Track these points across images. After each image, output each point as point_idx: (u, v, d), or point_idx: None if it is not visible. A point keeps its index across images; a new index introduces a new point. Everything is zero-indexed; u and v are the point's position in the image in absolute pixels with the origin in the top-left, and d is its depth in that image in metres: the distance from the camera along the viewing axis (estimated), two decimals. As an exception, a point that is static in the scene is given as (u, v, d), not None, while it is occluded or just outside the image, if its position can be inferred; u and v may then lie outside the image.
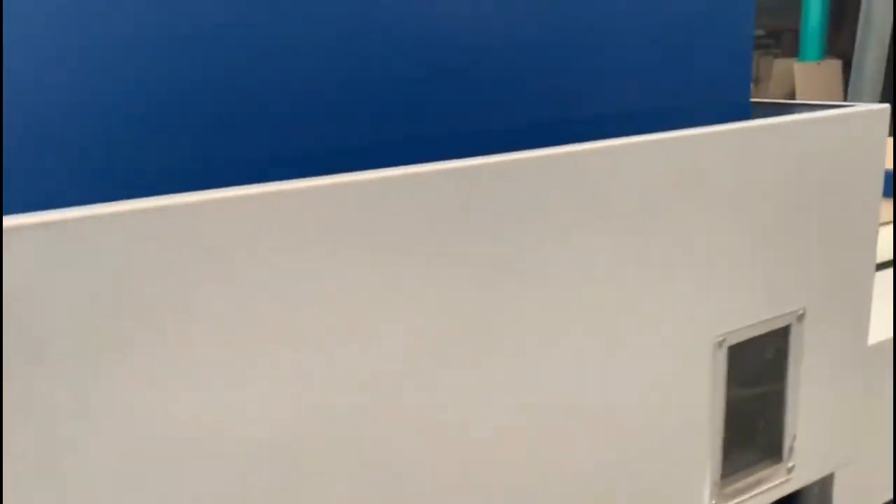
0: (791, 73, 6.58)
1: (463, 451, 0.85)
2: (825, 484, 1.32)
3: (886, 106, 1.13)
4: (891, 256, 1.84)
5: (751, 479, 1.13)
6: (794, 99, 6.28)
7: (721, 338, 1.03)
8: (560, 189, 0.86)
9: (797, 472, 1.17)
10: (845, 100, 5.09)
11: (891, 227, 2.03)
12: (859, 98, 1.20)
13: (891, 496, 1.54)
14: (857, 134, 1.11)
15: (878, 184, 1.15)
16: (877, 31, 1.15)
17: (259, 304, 0.70)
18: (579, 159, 0.88)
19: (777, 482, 1.15)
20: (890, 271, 1.82)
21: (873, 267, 1.19)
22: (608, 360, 0.94)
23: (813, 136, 1.07)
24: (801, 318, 1.12)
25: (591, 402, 0.94)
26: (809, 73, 6.22)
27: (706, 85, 1.14)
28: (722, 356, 1.04)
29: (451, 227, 0.80)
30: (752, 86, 1.19)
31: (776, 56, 7.34)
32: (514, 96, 0.97)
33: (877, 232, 1.17)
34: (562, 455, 0.93)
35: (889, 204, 2.07)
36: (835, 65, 6.48)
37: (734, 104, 1.15)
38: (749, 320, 1.06)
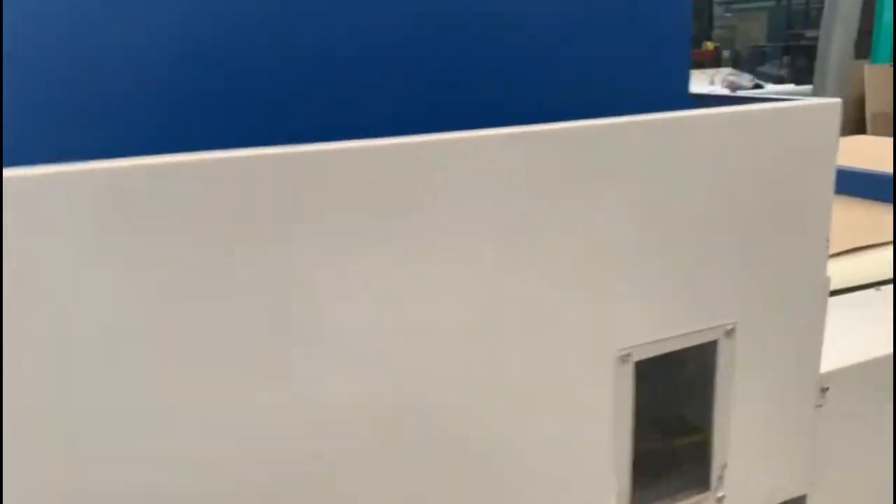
0: (862, 76, 6.25)
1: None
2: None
3: (837, 101, 1.01)
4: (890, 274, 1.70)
5: (672, 509, 1.02)
6: (863, 102, 5.97)
7: (625, 352, 0.93)
8: (413, 182, 0.78)
9: (730, 504, 1.06)
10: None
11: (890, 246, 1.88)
12: (822, 90, 1.06)
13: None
14: (803, 130, 1.00)
15: (829, 186, 1.03)
16: (843, 18, 1.02)
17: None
18: (443, 149, 0.79)
19: (704, 513, 1.05)
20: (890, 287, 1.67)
21: (825, 280, 1.07)
22: (482, 374, 0.86)
23: (743, 131, 0.96)
24: (730, 333, 1.01)
25: (463, 429, 0.86)
26: (881, 74, 5.89)
27: (637, 76, 1.04)
28: (627, 372, 0.94)
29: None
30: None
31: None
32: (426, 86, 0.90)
33: (828, 240, 1.05)
34: (437, 488, 0.85)
35: (888, 211, 1.91)
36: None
37: (669, 97, 1.04)
38: (660, 334, 0.95)
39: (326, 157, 0.74)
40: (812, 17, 11.07)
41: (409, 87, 0.90)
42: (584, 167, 0.86)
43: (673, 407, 1.02)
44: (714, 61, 9.33)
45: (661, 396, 0.99)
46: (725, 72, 8.62)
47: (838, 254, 1.87)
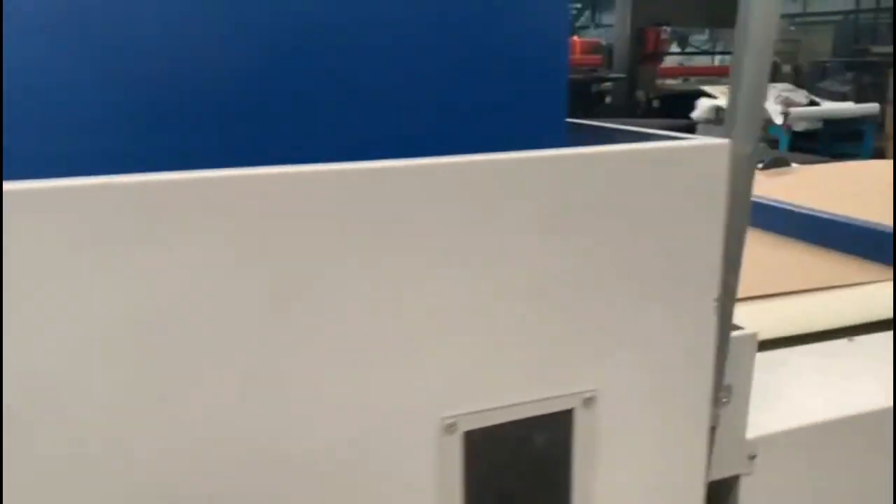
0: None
1: None
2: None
3: (724, 141, 0.88)
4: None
5: None
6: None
7: (450, 420, 0.82)
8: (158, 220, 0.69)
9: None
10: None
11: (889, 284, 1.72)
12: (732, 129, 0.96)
13: None
14: (682, 174, 0.87)
15: (715, 236, 0.90)
16: (755, 44, 0.91)
17: None
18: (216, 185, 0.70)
19: None
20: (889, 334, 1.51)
21: (711, 337, 0.94)
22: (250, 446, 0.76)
23: (598, 174, 0.84)
24: (589, 402, 0.89)
25: None
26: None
27: (507, 112, 0.92)
28: (454, 443, 0.83)
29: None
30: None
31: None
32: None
33: (714, 292, 0.92)
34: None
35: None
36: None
37: (540, 133, 0.93)
38: (494, 402, 0.84)
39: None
40: (880, 32, 10.64)
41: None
42: (394, 211, 0.76)
43: (524, 486, 0.90)
44: (770, 76, 9.01)
45: (507, 473, 0.88)
46: (780, 87, 8.32)
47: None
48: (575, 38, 10.68)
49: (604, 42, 9.84)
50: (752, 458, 1.22)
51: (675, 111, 8.16)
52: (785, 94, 7.99)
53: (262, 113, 0.79)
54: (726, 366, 1.13)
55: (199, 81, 0.77)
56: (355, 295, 0.76)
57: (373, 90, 0.84)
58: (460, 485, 0.84)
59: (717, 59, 12.78)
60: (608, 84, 9.16)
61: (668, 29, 9.07)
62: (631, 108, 8.81)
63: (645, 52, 8.94)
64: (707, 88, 8.26)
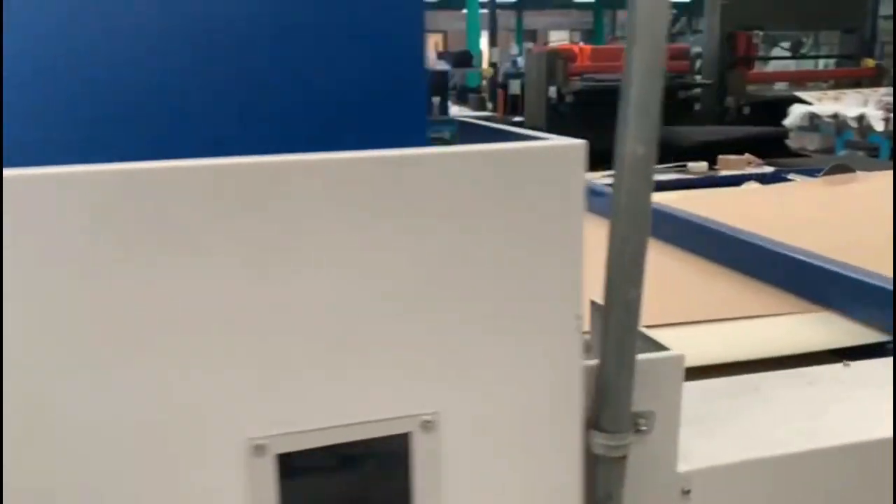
0: None
1: None
2: None
3: (580, 142, 0.79)
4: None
5: None
6: None
7: (260, 441, 0.76)
8: None
9: None
10: None
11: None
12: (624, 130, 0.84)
13: None
14: (532, 177, 0.79)
15: (573, 241, 0.81)
16: (644, 39, 0.79)
17: None
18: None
19: None
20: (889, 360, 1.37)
21: (575, 357, 0.85)
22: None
23: (436, 175, 0.76)
24: (428, 426, 0.81)
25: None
26: None
27: (366, 112, 0.87)
28: (265, 466, 0.77)
29: None
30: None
31: None
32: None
33: (574, 308, 0.83)
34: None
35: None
36: None
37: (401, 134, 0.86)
38: (311, 423, 0.77)
39: None
40: None
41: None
42: (177, 217, 0.71)
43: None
44: (874, 80, 8.48)
45: (335, 500, 0.81)
46: (882, 92, 7.81)
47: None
48: (660, 43, 10.35)
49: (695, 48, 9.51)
50: (686, 492, 1.11)
51: (766, 118, 7.79)
52: (886, 98, 7.48)
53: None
54: (644, 390, 1.03)
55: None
56: (150, 302, 0.72)
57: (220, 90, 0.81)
58: (277, 510, 0.78)
59: (822, 64, 12.16)
60: (698, 90, 8.85)
61: (760, 33, 8.68)
62: (720, 115, 8.48)
63: (735, 58, 8.58)
64: (802, 94, 7.85)
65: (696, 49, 9.50)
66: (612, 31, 18.06)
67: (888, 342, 1.51)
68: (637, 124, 0.87)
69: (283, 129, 0.86)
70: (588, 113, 8.03)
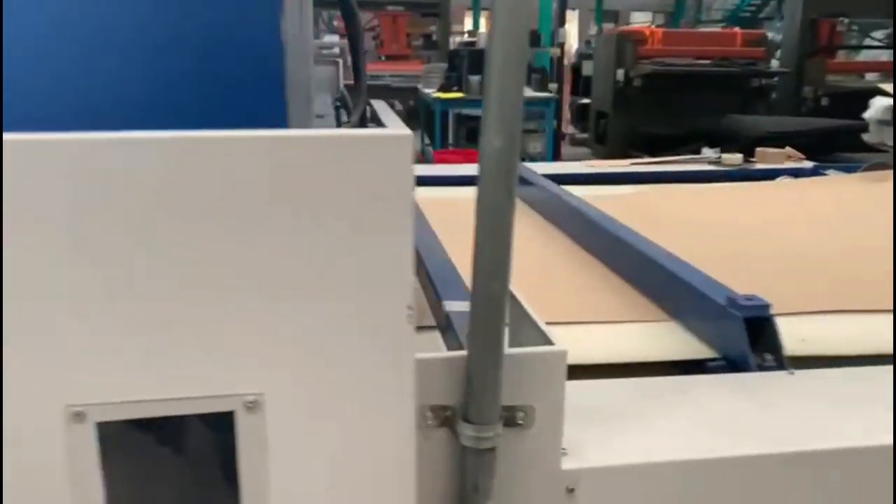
0: None
1: None
2: None
3: (407, 133, 0.78)
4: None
5: None
6: None
7: (78, 409, 0.79)
8: None
9: None
10: None
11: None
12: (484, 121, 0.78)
13: None
14: (358, 164, 0.78)
15: (403, 232, 0.80)
16: (503, 27, 0.75)
17: None
18: None
19: None
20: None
21: (405, 347, 0.84)
22: None
23: (266, 160, 0.77)
24: (253, 406, 0.82)
25: None
26: None
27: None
28: (85, 433, 0.80)
29: None
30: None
31: None
32: None
33: (406, 299, 0.82)
34: None
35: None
36: None
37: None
38: (131, 395, 0.80)
39: None
40: None
41: None
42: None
43: (184, 484, 0.85)
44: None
45: (160, 470, 0.83)
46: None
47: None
48: (736, 29, 10.01)
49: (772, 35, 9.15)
50: (571, 491, 1.09)
51: (846, 110, 7.45)
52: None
53: None
54: (523, 385, 1.02)
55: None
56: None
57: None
58: (99, 477, 0.81)
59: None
60: (776, 79, 8.52)
61: (846, 21, 8.28)
62: (797, 106, 8.15)
63: (816, 46, 8.22)
64: (884, 86, 7.46)
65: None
66: (696, 14, 17.50)
67: (711, 360, 1.42)
68: (495, 116, 0.85)
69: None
70: (655, 98, 7.84)
